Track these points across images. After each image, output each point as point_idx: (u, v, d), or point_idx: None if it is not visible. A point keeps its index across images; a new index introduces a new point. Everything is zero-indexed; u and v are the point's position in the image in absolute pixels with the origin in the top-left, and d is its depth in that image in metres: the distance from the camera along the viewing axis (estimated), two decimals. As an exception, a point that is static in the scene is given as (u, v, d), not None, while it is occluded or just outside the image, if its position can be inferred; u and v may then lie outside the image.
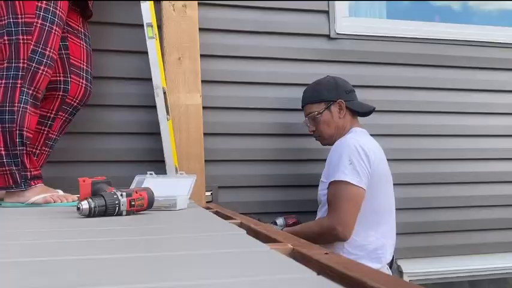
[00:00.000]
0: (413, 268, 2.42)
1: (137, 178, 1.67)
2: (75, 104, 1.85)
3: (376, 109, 2.11)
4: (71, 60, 1.83)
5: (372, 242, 1.87)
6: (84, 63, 1.87)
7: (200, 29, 2.13)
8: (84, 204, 1.18)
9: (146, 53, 1.91)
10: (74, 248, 0.81)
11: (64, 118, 1.85)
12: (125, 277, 0.58)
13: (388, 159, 1.99)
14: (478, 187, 2.57)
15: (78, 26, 1.88)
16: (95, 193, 1.27)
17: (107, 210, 1.21)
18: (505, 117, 2.66)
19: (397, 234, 1.99)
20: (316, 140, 2.14)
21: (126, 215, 1.25)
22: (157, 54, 1.93)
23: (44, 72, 1.65)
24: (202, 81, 2.11)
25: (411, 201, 2.46)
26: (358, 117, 2.09)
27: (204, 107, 2.10)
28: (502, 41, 2.66)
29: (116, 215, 1.23)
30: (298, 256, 0.80)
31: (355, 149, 1.85)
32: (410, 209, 2.45)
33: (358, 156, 1.83)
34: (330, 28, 2.41)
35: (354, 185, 1.81)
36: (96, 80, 1.98)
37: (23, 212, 1.47)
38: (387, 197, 1.96)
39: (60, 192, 1.70)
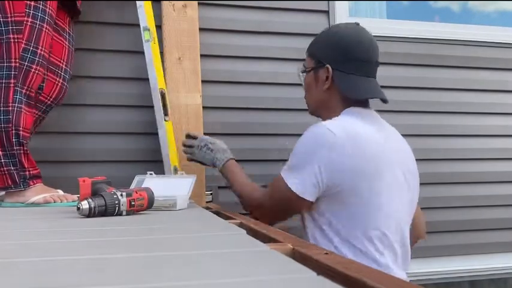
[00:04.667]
0: (414, 268, 2.41)
1: (137, 178, 1.67)
2: (48, 102, 1.79)
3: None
4: (50, 58, 1.78)
5: (358, 241, 1.77)
6: (64, 62, 1.84)
7: (200, 29, 2.13)
8: (84, 204, 1.18)
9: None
10: (73, 248, 0.81)
11: (37, 116, 1.79)
12: (125, 277, 0.58)
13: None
14: (478, 187, 2.57)
15: (64, 25, 1.86)
16: (95, 193, 1.26)
17: (107, 210, 1.21)
18: (506, 117, 2.65)
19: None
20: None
21: (126, 215, 1.25)
22: (154, 56, 1.93)
23: (37, 71, 1.64)
24: (202, 81, 2.11)
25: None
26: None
27: (204, 107, 2.10)
28: (502, 41, 2.66)
29: (115, 215, 1.23)
30: (298, 256, 0.80)
31: (318, 148, 1.43)
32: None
33: (319, 158, 1.42)
34: (330, 28, 2.40)
35: (292, 191, 1.45)
36: (97, 80, 1.98)
37: (22, 211, 1.47)
38: (374, 195, 1.50)
39: (60, 192, 1.70)
